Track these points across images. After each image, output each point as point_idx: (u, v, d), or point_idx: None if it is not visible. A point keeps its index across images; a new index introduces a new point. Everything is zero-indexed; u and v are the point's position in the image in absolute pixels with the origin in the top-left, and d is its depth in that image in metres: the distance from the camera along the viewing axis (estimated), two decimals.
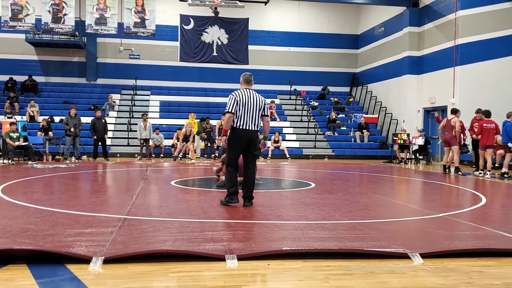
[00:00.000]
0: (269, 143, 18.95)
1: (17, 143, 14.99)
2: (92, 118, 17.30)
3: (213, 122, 19.28)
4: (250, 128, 6.63)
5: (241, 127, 6.60)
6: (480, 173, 12.77)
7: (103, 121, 17.20)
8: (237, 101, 6.59)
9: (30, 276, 3.58)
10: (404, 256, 4.16)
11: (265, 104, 6.80)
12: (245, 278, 3.63)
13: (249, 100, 6.64)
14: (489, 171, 12.54)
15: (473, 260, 4.20)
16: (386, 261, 4.11)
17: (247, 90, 6.77)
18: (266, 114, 6.80)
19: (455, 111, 13.39)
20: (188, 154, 17.52)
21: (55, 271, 3.71)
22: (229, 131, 6.69)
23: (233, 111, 6.58)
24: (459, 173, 12.85)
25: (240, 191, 6.80)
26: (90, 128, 16.76)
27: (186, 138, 17.25)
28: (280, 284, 3.56)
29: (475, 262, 4.17)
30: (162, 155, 18.29)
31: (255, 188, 7.02)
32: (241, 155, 6.77)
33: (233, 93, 6.70)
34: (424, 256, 4.16)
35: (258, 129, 6.77)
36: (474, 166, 13.58)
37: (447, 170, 13.30)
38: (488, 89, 16.87)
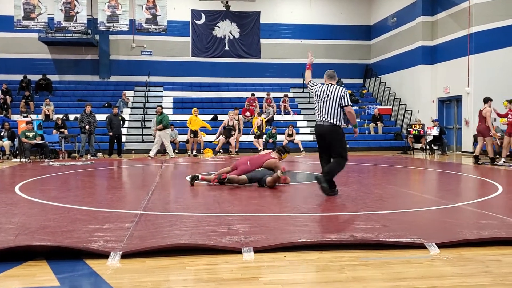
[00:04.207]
0: (283, 137, 18.96)
1: (33, 142, 15.16)
2: (109, 114, 17.43)
3: (224, 117, 19.37)
4: (323, 123, 6.86)
5: (317, 122, 6.98)
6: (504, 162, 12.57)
7: (120, 118, 17.31)
8: (316, 92, 7.05)
9: (49, 271, 3.64)
10: (421, 246, 4.16)
11: (341, 95, 6.82)
12: (262, 270, 3.66)
13: (323, 93, 6.90)
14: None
15: (490, 249, 4.19)
16: (402, 251, 4.11)
17: (326, 84, 7.03)
18: (345, 104, 6.81)
19: (486, 100, 12.95)
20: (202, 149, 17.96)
21: (74, 266, 3.77)
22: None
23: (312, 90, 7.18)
24: (495, 164, 12.48)
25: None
26: (106, 124, 16.91)
27: (195, 133, 17.64)
28: (297, 275, 3.58)
29: (492, 251, 4.16)
30: (176, 150, 18.37)
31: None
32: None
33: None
34: (440, 245, 4.16)
35: (334, 122, 6.80)
36: (497, 156, 13.33)
37: (479, 161, 12.95)
38: (504, 78, 16.62)
